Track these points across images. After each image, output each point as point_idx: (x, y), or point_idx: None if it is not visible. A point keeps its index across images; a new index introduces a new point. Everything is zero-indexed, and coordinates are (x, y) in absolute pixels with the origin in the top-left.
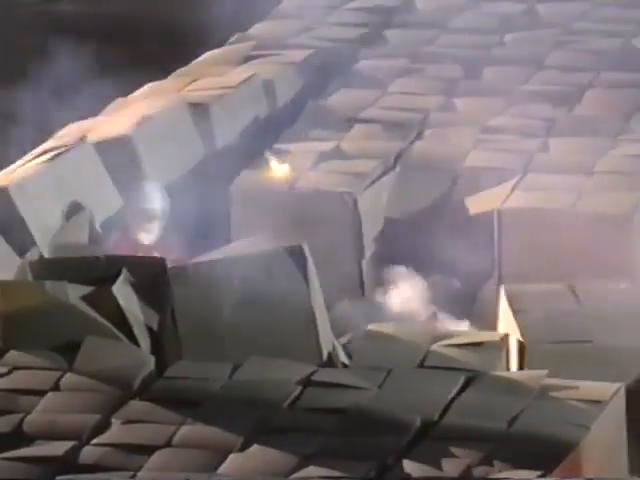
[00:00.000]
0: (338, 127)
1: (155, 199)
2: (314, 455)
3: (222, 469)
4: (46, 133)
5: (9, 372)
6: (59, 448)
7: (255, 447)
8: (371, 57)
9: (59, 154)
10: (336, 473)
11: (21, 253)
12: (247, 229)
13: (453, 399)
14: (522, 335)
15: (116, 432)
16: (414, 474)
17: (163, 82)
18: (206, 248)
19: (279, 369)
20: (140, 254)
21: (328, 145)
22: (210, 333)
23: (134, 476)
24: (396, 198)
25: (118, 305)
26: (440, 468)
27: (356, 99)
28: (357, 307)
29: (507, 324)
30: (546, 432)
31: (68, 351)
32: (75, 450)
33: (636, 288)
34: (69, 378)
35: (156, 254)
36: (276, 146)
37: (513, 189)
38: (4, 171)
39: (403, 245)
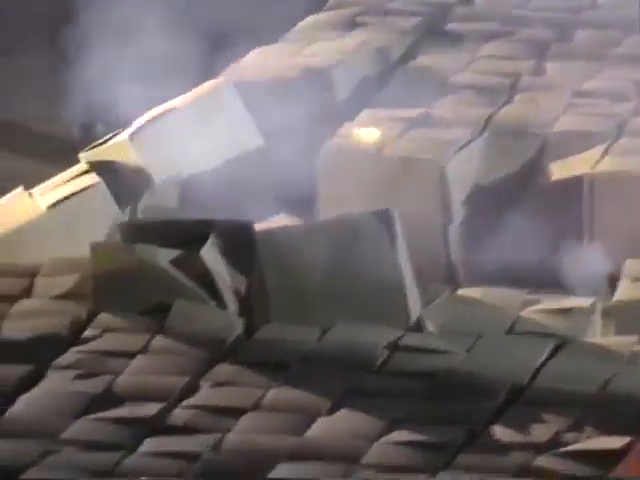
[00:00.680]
0: (428, 92)
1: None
2: (402, 420)
3: (310, 432)
4: None
5: (100, 334)
6: (148, 410)
7: (343, 411)
8: (462, 21)
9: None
10: (424, 438)
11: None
12: (335, 194)
13: (543, 364)
14: None
15: (205, 394)
16: (503, 439)
17: (272, 47)
18: (295, 209)
19: (367, 333)
20: None
21: (417, 111)
22: (298, 296)
23: (222, 439)
24: (485, 164)
25: (207, 268)
26: (529, 433)
27: (446, 64)
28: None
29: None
30: (637, 397)
31: (157, 314)
32: (164, 412)
33: None
34: (158, 341)
35: None
36: (366, 112)
37: (604, 153)
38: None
39: (491, 211)
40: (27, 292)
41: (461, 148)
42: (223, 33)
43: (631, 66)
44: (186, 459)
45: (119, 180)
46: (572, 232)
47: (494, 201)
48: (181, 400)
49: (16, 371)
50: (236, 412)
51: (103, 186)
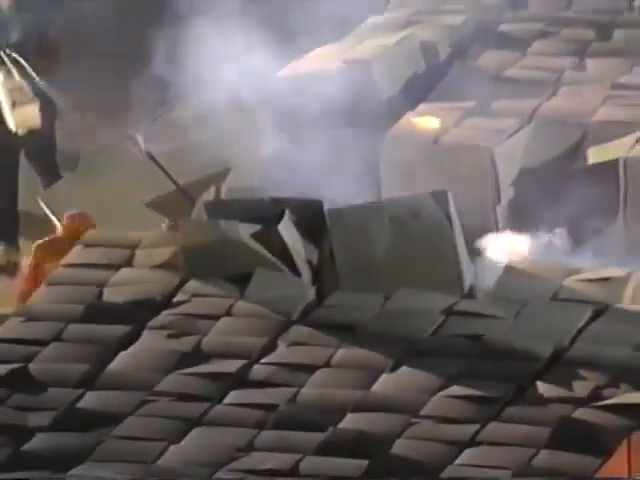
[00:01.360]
0: (482, 86)
1: None
2: (456, 376)
3: (375, 387)
4: None
5: (189, 299)
6: (232, 366)
7: (403, 368)
8: (513, 21)
9: None
10: (476, 393)
11: None
12: (396, 179)
13: (582, 328)
14: None
15: (281, 353)
16: (547, 395)
17: (330, 45)
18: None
19: (425, 300)
20: None
21: (471, 103)
22: (364, 267)
23: (297, 392)
24: (531, 150)
25: (283, 242)
26: (571, 389)
27: (498, 60)
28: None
29: None
30: None
31: (239, 281)
32: (246, 368)
33: None
34: (240, 305)
35: None
36: (426, 103)
37: (638, 140)
38: None
39: (535, 191)
40: (128, 262)
41: (510, 136)
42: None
43: None
44: (265, 410)
45: None
46: (609, 211)
47: (539, 183)
48: (261, 358)
49: (116, 331)
50: (309, 369)
51: None
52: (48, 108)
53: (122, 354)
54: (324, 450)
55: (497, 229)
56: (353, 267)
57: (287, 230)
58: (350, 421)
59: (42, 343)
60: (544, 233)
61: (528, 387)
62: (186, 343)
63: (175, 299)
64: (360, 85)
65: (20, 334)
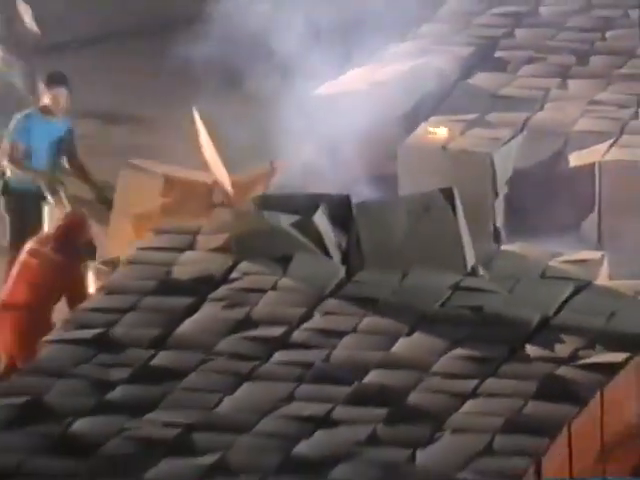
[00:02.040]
0: (482, 102)
1: None
2: (461, 340)
3: (394, 349)
4: None
5: (241, 276)
6: (276, 331)
7: (417, 334)
8: (507, 49)
9: None
10: (477, 353)
11: None
12: (411, 179)
13: (565, 301)
14: None
15: (317, 321)
16: (534, 355)
17: (363, 67)
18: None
19: (435, 277)
20: None
21: (473, 116)
22: (384, 250)
23: (330, 353)
24: (522, 154)
25: (317, 230)
26: (554, 351)
27: (495, 80)
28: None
29: None
30: (636, 324)
31: (282, 262)
32: (288, 333)
33: None
34: (283, 281)
35: None
36: (436, 116)
37: (611, 146)
38: None
39: (526, 189)
40: (191, 246)
41: (505, 143)
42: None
43: (632, 82)
44: (303, 367)
45: None
46: (586, 205)
47: (529, 182)
48: (300, 325)
49: (182, 302)
50: (340, 334)
51: None
52: None
53: (187, 321)
54: (352, 400)
55: (494, 219)
56: (376, 251)
57: (321, 220)
58: (373, 377)
59: (122, 312)
60: (532, 223)
61: (519, 349)
62: (239, 312)
63: (230, 276)
64: (381, 102)
65: (103, 304)
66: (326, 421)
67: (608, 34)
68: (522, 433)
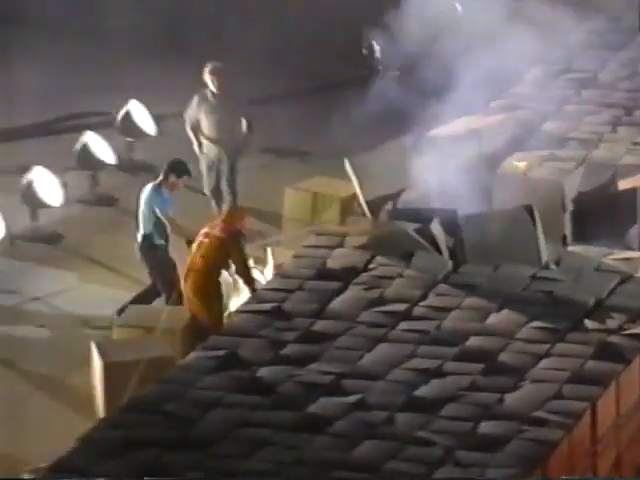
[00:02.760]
0: (554, 142)
1: None
2: (537, 316)
3: (488, 321)
4: None
5: (377, 267)
6: (402, 307)
7: (505, 310)
8: (574, 104)
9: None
10: (549, 325)
11: None
12: (502, 198)
13: (614, 288)
14: None
15: (432, 300)
16: (591, 327)
17: (463, 119)
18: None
19: (519, 269)
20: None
21: (547, 152)
22: (482, 250)
23: (441, 324)
24: (584, 181)
25: (432, 234)
26: (605, 324)
27: (564, 127)
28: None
29: None
30: None
31: (407, 257)
32: (410, 308)
33: None
34: (407, 271)
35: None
36: (519, 153)
37: None
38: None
39: (586, 206)
40: (341, 245)
41: (571, 172)
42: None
43: None
44: (422, 334)
45: None
46: (630, 219)
47: (588, 202)
48: (419, 302)
49: (334, 285)
50: (448, 310)
51: None
52: None
53: (337, 299)
54: (458, 358)
55: (563, 228)
56: (475, 250)
57: (435, 227)
58: (472, 341)
59: (291, 291)
60: (591, 231)
61: (580, 322)
62: (375, 293)
63: (369, 267)
64: (475, 145)
65: (278, 285)
66: (438, 372)
67: None
68: (582, 384)
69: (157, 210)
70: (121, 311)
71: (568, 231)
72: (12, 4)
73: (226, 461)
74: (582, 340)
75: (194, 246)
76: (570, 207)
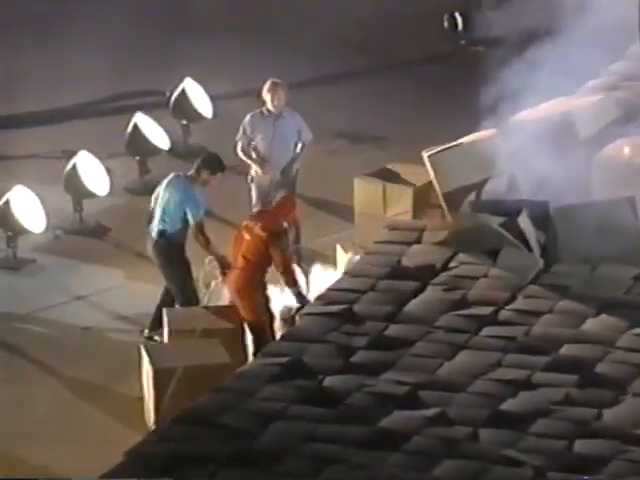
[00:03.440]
0: None
1: None
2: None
3: (583, 327)
4: None
5: (458, 265)
6: (486, 310)
7: (603, 315)
8: None
9: None
10: None
11: None
12: (600, 188)
13: None
14: None
15: (520, 303)
16: None
17: (553, 102)
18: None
19: (620, 269)
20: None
21: None
22: (577, 247)
23: (530, 330)
24: None
25: (520, 229)
26: None
27: None
28: None
29: None
30: None
31: (492, 255)
32: (495, 312)
33: None
34: (493, 270)
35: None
36: (621, 139)
37: None
38: None
39: None
40: (418, 240)
41: None
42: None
43: None
44: (508, 340)
45: None
46: None
47: None
48: (506, 305)
49: (410, 285)
50: (538, 314)
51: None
52: None
53: (413, 301)
54: (548, 368)
55: None
56: (569, 247)
57: (523, 221)
58: (566, 349)
59: (362, 292)
60: None
61: None
62: (456, 294)
63: (449, 265)
64: (566, 127)
65: (348, 285)
66: (527, 384)
67: None
68: None
69: (189, 214)
70: (150, 333)
71: None
72: None
73: None
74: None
75: (235, 240)
76: None
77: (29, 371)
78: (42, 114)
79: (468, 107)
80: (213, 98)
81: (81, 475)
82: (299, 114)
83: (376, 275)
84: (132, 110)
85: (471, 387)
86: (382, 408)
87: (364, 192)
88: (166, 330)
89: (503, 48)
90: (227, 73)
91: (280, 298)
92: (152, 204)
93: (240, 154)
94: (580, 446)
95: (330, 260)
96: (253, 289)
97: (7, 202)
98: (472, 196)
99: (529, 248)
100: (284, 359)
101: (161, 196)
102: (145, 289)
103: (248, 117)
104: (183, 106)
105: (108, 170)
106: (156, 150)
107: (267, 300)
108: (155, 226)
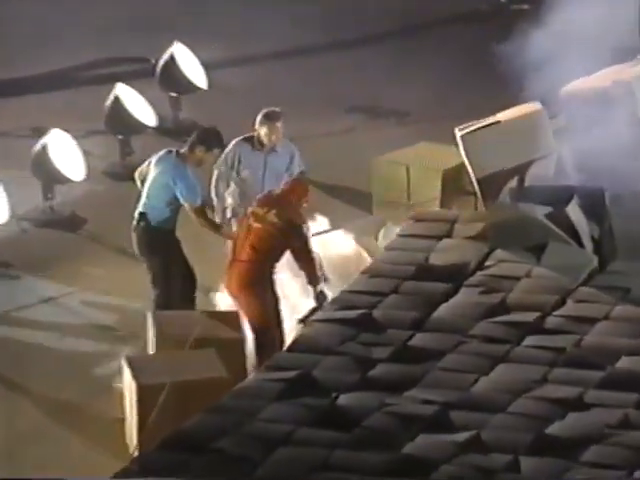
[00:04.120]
0: None
1: None
2: None
3: None
4: None
5: (496, 264)
6: (530, 316)
7: None
8: None
9: None
10: None
11: None
12: None
13: None
14: None
15: (570, 307)
16: None
17: (607, 70)
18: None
19: None
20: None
21: None
22: (637, 241)
23: (582, 339)
24: None
25: (570, 220)
26: None
27: None
28: None
29: None
30: None
31: (536, 251)
32: (540, 318)
33: None
34: (537, 269)
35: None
36: None
37: None
38: None
39: None
40: (449, 234)
41: None
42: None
43: None
44: (556, 352)
45: None
46: None
47: None
48: (553, 311)
49: (439, 287)
50: (592, 321)
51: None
52: None
53: (444, 305)
54: (603, 385)
55: None
56: (629, 241)
57: (574, 211)
58: (624, 363)
59: (383, 294)
60: None
61: None
62: (494, 298)
63: (485, 264)
64: (624, 100)
65: (367, 287)
66: (578, 404)
67: None
68: None
69: (182, 198)
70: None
71: None
72: None
73: None
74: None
75: (239, 227)
76: None
77: None
78: (5, 84)
79: (508, 76)
80: (207, 66)
81: None
82: (294, 144)
83: (399, 275)
84: (113, 80)
85: (511, 407)
86: (406, 431)
87: (384, 176)
88: (151, 338)
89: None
90: (223, 36)
91: (297, 298)
92: (138, 184)
93: (213, 195)
94: None
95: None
96: (262, 286)
97: None
98: (512, 182)
99: (580, 243)
100: (291, 373)
101: (148, 172)
102: (128, 290)
103: (232, 146)
104: (172, 75)
105: (84, 151)
106: (141, 127)
107: (277, 301)
108: (137, 208)
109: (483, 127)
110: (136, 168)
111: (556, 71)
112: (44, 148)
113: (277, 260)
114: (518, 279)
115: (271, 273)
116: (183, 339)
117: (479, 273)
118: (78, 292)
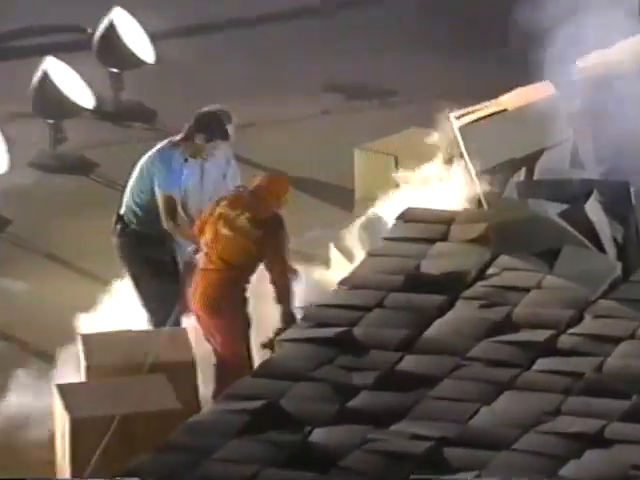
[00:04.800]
0: None
1: None
2: None
3: None
4: None
5: (500, 272)
6: (540, 335)
7: None
8: None
9: None
10: None
11: None
12: None
13: None
14: None
15: (588, 324)
16: None
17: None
18: None
19: None
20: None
21: None
22: None
23: (603, 362)
24: None
25: (589, 220)
26: None
27: None
28: None
29: None
30: None
31: (547, 257)
32: (553, 337)
33: None
34: (549, 279)
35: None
36: None
37: None
38: None
39: None
40: (444, 236)
41: None
42: None
43: None
44: (572, 377)
45: None
46: None
47: None
48: (568, 328)
49: (433, 300)
50: (615, 340)
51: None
52: None
53: (438, 321)
54: (629, 417)
55: None
56: None
57: (593, 209)
58: None
59: (365, 309)
60: None
61: None
62: (497, 313)
63: (487, 272)
64: None
65: (346, 300)
66: (598, 439)
67: None
68: None
69: (156, 186)
70: None
71: None
72: None
73: None
74: None
75: (199, 230)
76: None
77: None
78: None
79: (513, 50)
80: (153, 36)
81: None
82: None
83: (385, 285)
84: (40, 53)
85: (518, 443)
86: (393, 472)
87: (368, 169)
88: (83, 363)
89: None
90: (173, 0)
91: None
92: None
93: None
94: None
95: (320, 262)
96: (233, 305)
97: None
98: (519, 175)
99: (601, 247)
100: (256, 403)
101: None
102: (59, 303)
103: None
104: (112, 47)
105: (7, 139)
106: (75, 109)
107: (248, 323)
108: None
109: (485, 117)
110: (69, 158)
111: (570, 41)
112: None
113: (251, 273)
114: (526, 290)
115: (243, 290)
116: (120, 364)
117: (480, 283)
118: None
